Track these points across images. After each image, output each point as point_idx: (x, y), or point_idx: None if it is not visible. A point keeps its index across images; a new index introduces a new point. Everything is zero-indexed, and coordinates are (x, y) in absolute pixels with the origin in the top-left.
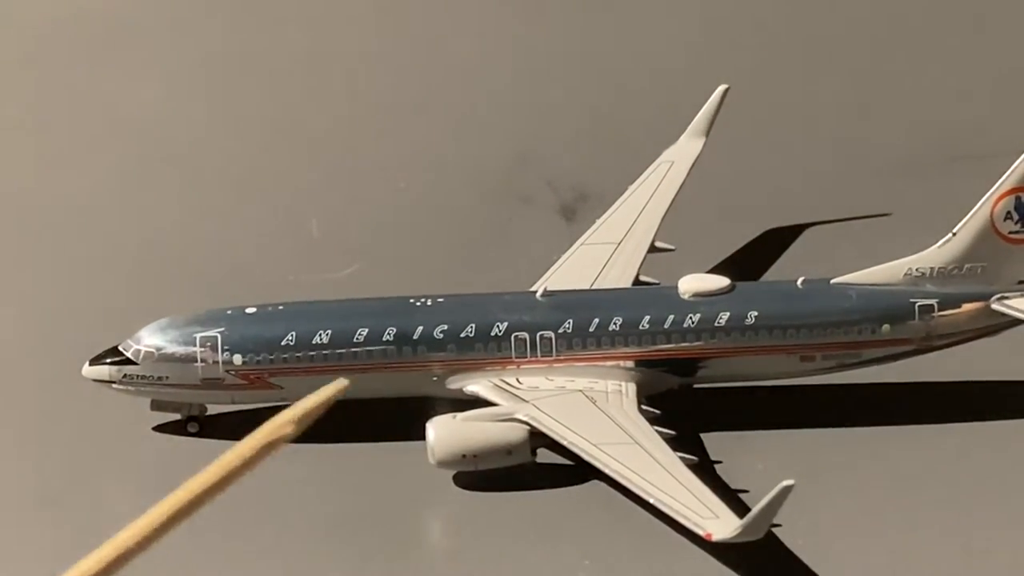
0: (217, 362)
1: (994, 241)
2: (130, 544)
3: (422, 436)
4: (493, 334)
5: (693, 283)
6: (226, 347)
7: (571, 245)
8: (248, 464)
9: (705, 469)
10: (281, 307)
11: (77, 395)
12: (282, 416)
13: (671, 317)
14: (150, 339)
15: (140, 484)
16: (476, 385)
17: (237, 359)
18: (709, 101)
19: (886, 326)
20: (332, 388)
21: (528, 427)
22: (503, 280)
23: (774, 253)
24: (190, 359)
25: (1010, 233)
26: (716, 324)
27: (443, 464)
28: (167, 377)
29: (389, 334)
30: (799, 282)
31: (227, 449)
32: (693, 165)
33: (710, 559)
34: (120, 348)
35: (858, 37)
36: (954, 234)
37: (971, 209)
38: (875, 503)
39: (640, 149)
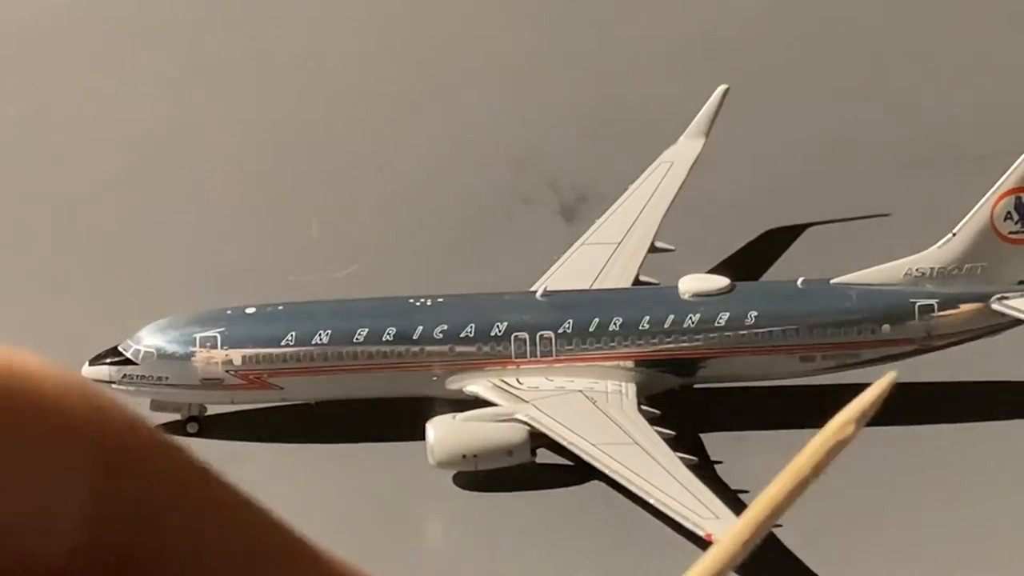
0: (217, 362)
1: (994, 241)
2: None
3: (422, 436)
4: (493, 334)
5: (693, 283)
6: (226, 347)
7: (571, 245)
8: (818, 469)
9: (705, 469)
10: (281, 307)
11: None
12: (841, 417)
13: (671, 317)
14: (150, 339)
15: None
16: (476, 385)
17: (237, 359)
18: (709, 101)
19: (886, 326)
20: (884, 381)
21: (528, 427)
22: (503, 280)
23: (774, 253)
24: (190, 359)
25: (1010, 233)
26: (716, 324)
27: (443, 464)
28: (167, 377)
29: (389, 334)
30: (799, 282)
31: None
32: (693, 165)
33: None
34: (120, 348)
35: (858, 37)
36: (954, 234)
37: (971, 209)
38: (875, 503)
39: (640, 149)
